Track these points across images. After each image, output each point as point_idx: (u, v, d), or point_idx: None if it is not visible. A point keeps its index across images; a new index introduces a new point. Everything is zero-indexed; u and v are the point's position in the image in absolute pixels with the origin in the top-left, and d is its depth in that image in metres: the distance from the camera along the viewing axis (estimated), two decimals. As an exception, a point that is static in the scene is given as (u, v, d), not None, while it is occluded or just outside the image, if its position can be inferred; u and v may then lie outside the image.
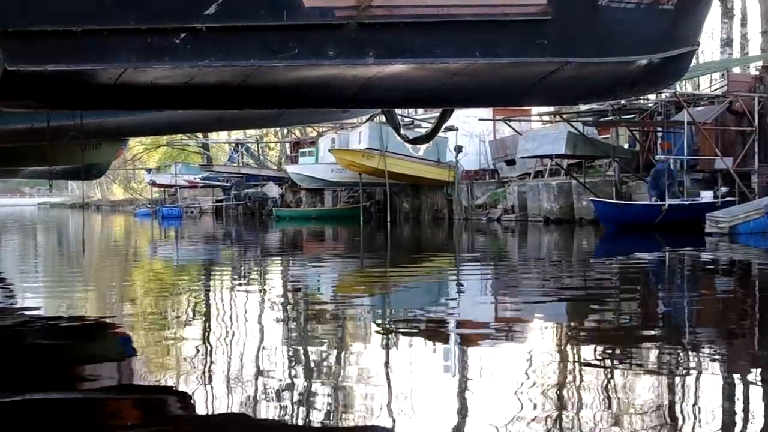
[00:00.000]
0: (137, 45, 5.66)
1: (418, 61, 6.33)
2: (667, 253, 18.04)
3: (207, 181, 55.05)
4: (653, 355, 6.90)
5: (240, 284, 13.00)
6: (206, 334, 8.07)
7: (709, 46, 46.86)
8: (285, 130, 52.70)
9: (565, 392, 5.65)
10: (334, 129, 41.81)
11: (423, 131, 23.30)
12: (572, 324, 8.71)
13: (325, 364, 6.67)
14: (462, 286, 12.60)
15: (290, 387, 5.80)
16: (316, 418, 5.13)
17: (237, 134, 57.66)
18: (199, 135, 56.58)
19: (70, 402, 5.56)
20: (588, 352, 7.12)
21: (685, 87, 35.71)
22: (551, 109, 28.16)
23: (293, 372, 6.35)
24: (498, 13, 6.32)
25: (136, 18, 5.58)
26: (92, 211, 67.33)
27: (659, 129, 27.90)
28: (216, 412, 5.27)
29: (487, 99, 9.38)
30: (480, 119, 31.97)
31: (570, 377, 6.11)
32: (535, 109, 32.74)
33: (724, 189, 25.00)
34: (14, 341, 7.87)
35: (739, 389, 5.74)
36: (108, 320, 9.24)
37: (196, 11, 5.61)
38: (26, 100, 7.01)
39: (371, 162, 34.70)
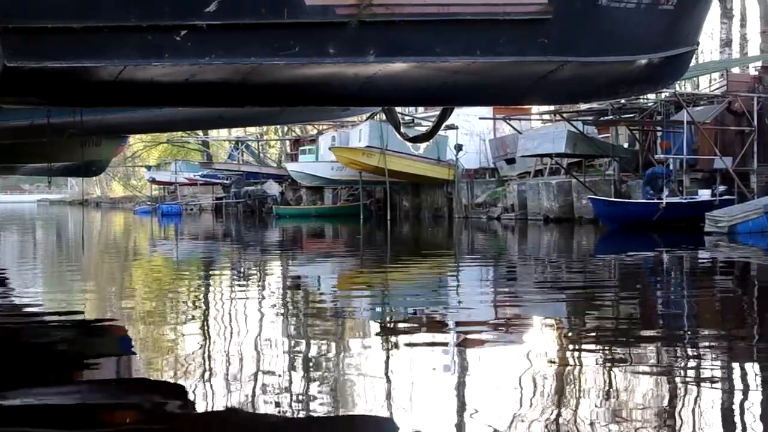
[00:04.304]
0: (138, 42, 5.66)
1: (419, 60, 6.33)
2: (666, 252, 18.05)
3: (207, 179, 54.99)
4: (654, 353, 6.91)
5: (240, 282, 13.00)
6: (206, 332, 8.08)
7: (708, 46, 46.93)
8: (285, 128, 52.64)
9: (565, 390, 5.66)
10: (335, 127, 41.77)
11: (423, 129, 23.30)
12: (572, 323, 8.71)
13: (324, 363, 6.67)
14: (461, 284, 12.62)
15: (290, 385, 5.81)
16: (316, 417, 5.14)
17: (237, 132, 57.62)
18: (200, 132, 56.57)
19: (69, 400, 5.57)
20: (588, 351, 7.13)
21: (684, 87, 35.67)
22: (551, 107, 28.14)
23: (293, 370, 6.36)
24: (499, 12, 6.32)
25: (136, 15, 5.58)
26: (92, 208, 67.31)
27: (659, 128, 27.90)
28: (216, 411, 5.28)
29: (488, 97, 9.38)
30: (480, 118, 31.95)
31: (570, 375, 6.12)
32: (535, 108, 32.73)
33: (722, 188, 25.01)
34: (13, 338, 7.88)
35: (738, 388, 5.75)
36: (108, 317, 9.25)
37: (198, 9, 5.60)
38: (26, 97, 7.01)
39: (371, 160, 34.69)
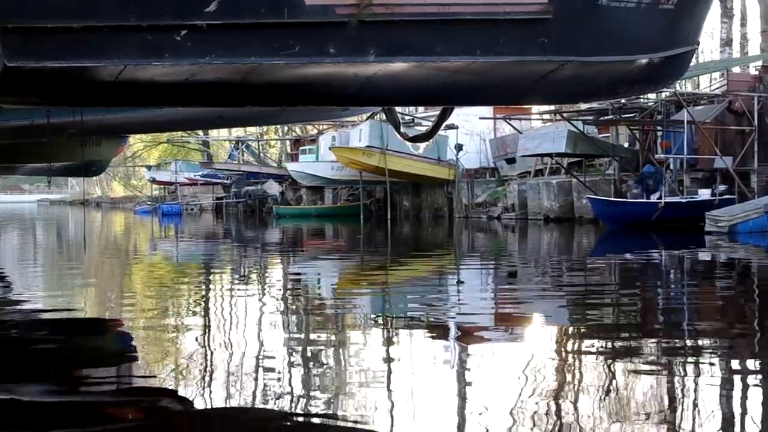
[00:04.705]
0: (138, 42, 5.66)
1: (419, 60, 6.33)
2: (665, 252, 18.04)
3: (207, 179, 55.01)
4: (655, 354, 6.91)
5: (241, 282, 12.99)
6: (207, 332, 8.08)
7: (708, 46, 46.89)
8: (285, 128, 52.63)
9: (566, 390, 5.66)
10: (335, 127, 41.76)
11: (423, 129, 23.30)
12: (572, 323, 8.71)
13: (324, 363, 6.67)
14: (462, 284, 12.62)
15: (290, 385, 5.81)
16: (316, 417, 5.13)
17: (237, 131, 57.61)
18: (200, 132, 56.56)
19: (70, 399, 5.57)
20: (588, 351, 7.12)
21: (685, 86, 35.68)
22: (552, 107, 28.12)
23: (293, 370, 6.36)
24: (499, 12, 6.32)
25: (136, 15, 5.58)
26: (92, 208, 67.31)
27: (659, 128, 27.90)
28: (216, 410, 5.28)
29: (488, 97, 9.38)
30: (480, 117, 31.93)
31: (571, 376, 6.12)
32: (535, 108, 32.70)
33: (722, 187, 25.01)
34: (14, 338, 7.88)
35: (738, 389, 5.75)
36: (109, 317, 9.25)
37: (198, 9, 5.60)
38: (27, 97, 7.01)
39: (371, 160, 34.69)
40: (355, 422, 4.96)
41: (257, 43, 5.83)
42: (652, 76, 7.71)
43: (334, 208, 41.76)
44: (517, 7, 6.37)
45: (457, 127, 32.14)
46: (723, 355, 6.86)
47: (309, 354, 6.92)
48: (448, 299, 10.83)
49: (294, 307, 10.12)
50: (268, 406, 5.33)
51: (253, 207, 47.81)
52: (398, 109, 12.32)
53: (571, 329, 8.24)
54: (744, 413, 5.08)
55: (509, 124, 32.14)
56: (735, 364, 6.51)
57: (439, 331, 8.10)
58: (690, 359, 6.64)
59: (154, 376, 6.16)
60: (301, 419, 5.06)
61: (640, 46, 7.22)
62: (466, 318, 8.94)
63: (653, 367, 6.30)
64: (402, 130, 11.02)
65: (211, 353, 6.96)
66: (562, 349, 7.22)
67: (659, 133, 28.06)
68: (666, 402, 5.35)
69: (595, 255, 18.78)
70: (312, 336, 7.86)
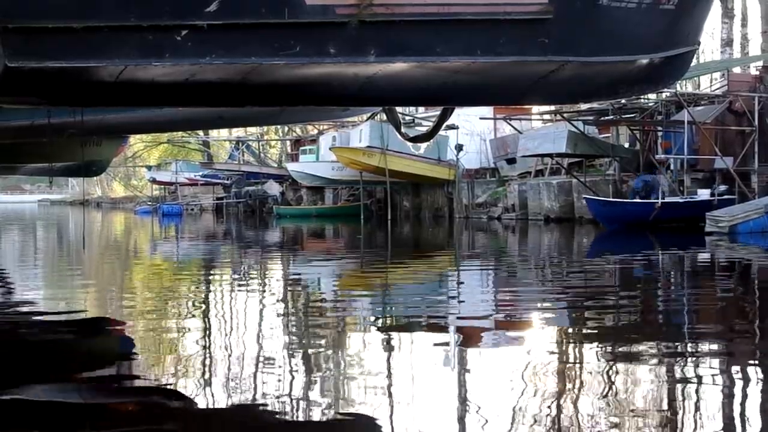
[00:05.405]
0: (138, 42, 5.65)
1: (419, 60, 6.33)
2: (664, 253, 18.04)
3: (207, 179, 55.04)
4: (655, 355, 6.91)
5: (241, 282, 12.99)
6: (207, 333, 8.08)
7: (709, 46, 46.91)
8: (286, 128, 52.65)
9: (566, 392, 5.66)
10: (335, 127, 41.79)
11: (424, 129, 23.29)
12: (573, 324, 8.71)
13: (324, 363, 6.67)
14: (462, 285, 12.62)
15: (290, 385, 5.81)
16: (316, 417, 5.14)
17: (238, 132, 57.64)
18: (200, 132, 56.57)
19: (70, 399, 5.57)
20: (588, 352, 7.12)
21: (685, 86, 35.66)
22: (552, 107, 28.13)
23: (293, 371, 6.36)
24: (499, 12, 6.32)
25: (137, 15, 5.58)
26: (92, 208, 67.31)
27: (659, 128, 27.91)
28: (216, 411, 5.28)
29: (488, 97, 9.38)
30: (481, 118, 31.95)
31: (572, 377, 6.12)
32: (535, 108, 32.73)
33: (722, 187, 25.02)
34: (13, 337, 7.88)
35: (738, 389, 5.75)
36: (109, 317, 9.25)
37: (198, 9, 5.60)
38: (27, 97, 7.01)
39: (372, 160, 34.70)
40: (355, 423, 4.96)
41: (257, 43, 5.83)
42: (653, 77, 7.71)
43: (334, 208, 41.78)
44: (517, 7, 6.37)
45: (457, 128, 32.14)
46: (723, 357, 6.85)
47: (309, 355, 6.92)
48: (448, 300, 10.83)
49: (294, 308, 10.12)
50: (268, 407, 5.32)
51: (254, 207, 47.83)
52: (399, 109, 12.31)
53: (570, 330, 8.24)
54: (744, 415, 5.08)
55: (509, 124, 32.15)
56: (735, 366, 6.51)
57: (439, 331, 8.10)
58: (689, 361, 6.64)
59: (154, 377, 6.16)
60: (301, 420, 5.06)
61: (641, 47, 7.21)
62: (466, 318, 8.94)
63: (653, 368, 6.30)
64: (402, 130, 11.02)
65: (211, 354, 6.97)
66: (563, 350, 7.21)
67: (659, 134, 28.07)
68: (666, 404, 5.35)
69: (589, 256, 18.77)
70: (312, 337, 7.86)
